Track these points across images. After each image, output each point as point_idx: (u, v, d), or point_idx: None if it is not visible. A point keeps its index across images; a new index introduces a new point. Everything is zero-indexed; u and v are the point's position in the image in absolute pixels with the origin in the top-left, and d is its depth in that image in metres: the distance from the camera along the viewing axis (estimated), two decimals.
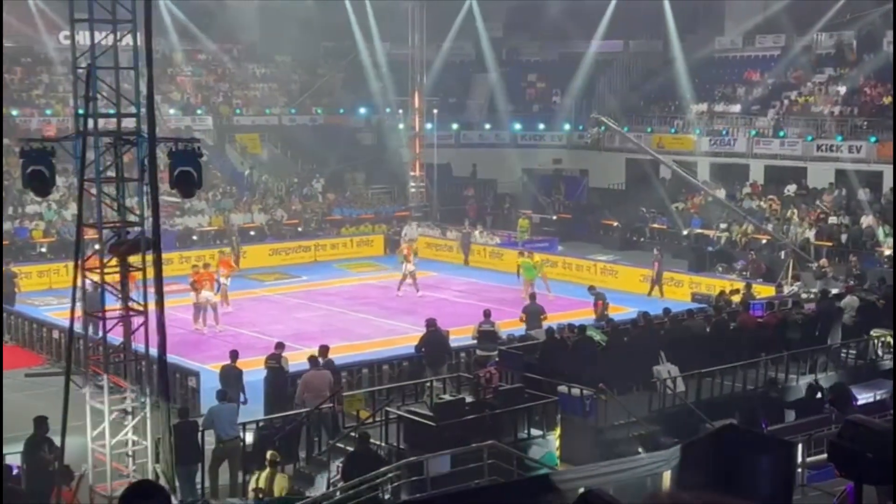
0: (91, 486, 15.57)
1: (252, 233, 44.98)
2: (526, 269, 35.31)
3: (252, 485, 17.53)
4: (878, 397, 21.77)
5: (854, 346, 25.08)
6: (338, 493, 16.84)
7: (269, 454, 17.81)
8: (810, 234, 39.70)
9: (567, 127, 54.98)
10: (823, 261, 36.19)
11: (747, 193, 44.79)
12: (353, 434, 19.72)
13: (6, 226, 42.13)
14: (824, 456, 14.05)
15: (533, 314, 28.16)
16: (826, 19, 48.66)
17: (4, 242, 40.52)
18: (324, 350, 22.60)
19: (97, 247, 15.27)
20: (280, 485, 17.18)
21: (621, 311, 29.61)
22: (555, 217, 49.21)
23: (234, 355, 22.16)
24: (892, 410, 19.29)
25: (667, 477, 13.18)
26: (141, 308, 15.19)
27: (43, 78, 51.85)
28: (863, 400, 21.14)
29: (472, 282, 37.48)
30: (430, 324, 24.76)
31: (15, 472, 17.08)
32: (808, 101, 47.81)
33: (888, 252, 37.18)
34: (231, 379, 21.46)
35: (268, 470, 17.35)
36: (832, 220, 40.61)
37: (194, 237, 42.96)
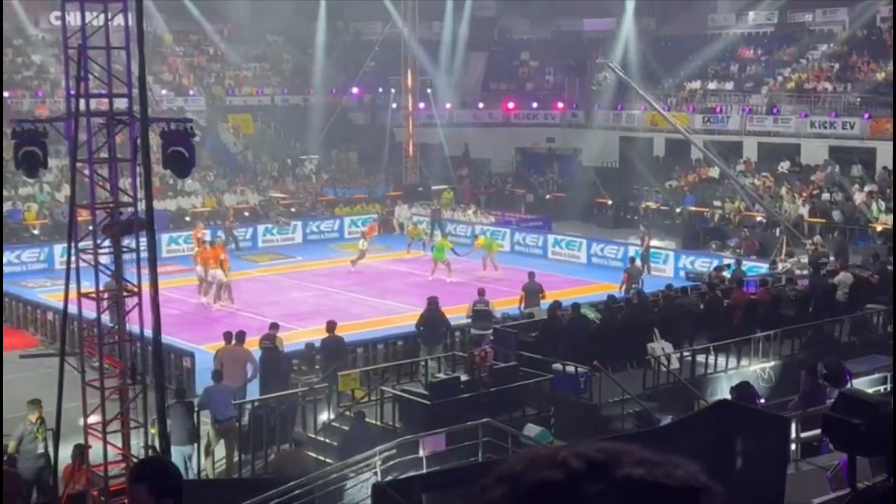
0: (87, 465, 15.61)
1: (246, 213, 44.96)
2: (436, 250, 35.69)
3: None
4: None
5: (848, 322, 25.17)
6: (331, 472, 16.92)
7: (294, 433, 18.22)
8: (804, 210, 39.77)
9: (560, 105, 54.93)
10: (817, 238, 36.22)
11: (741, 171, 44.79)
12: (348, 413, 19.80)
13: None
14: (818, 431, 14.12)
15: (531, 292, 28.19)
16: None
17: None
18: (331, 325, 22.70)
19: (91, 228, 15.23)
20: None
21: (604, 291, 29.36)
22: (548, 196, 49.28)
23: (229, 337, 22.08)
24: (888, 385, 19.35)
25: None
26: (135, 289, 15.18)
27: (34, 59, 51.71)
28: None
29: (465, 261, 37.46)
30: (431, 301, 24.82)
31: (8, 453, 17.16)
32: (801, 78, 47.79)
33: (881, 228, 37.27)
34: (232, 361, 21.37)
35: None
36: (825, 196, 40.66)
37: (187, 218, 42.86)
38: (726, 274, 29.70)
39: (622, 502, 1.07)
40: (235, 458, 19.43)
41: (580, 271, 36.45)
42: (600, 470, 1.10)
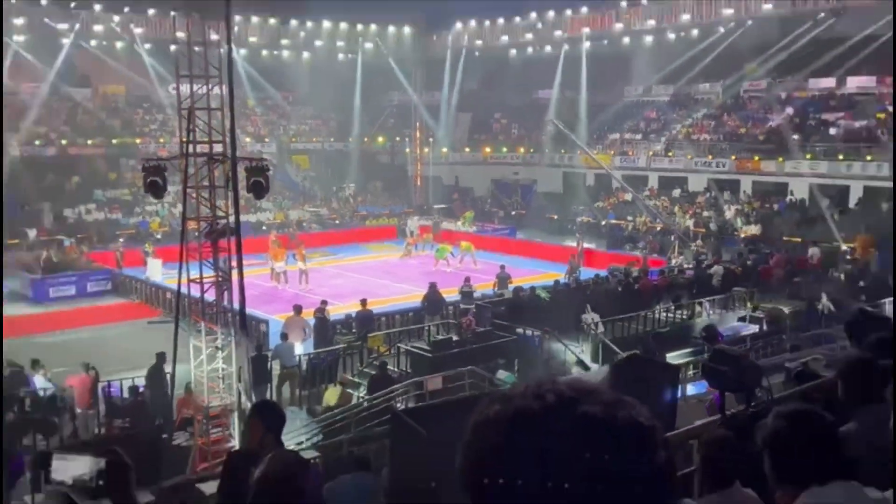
0: (194, 398, 15.64)
1: (304, 224, 44.90)
2: (438, 251, 35.55)
3: (327, 401, 17.72)
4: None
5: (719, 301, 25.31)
6: (365, 403, 16.95)
7: (340, 377, 18.29)
8: (690, 223, 39.83)
9: (522, 150, 54.88)
10: (699, 242, 36.32)
11: (646, 195, 44.86)
12: (375, 362, 19.85)
13: (134, 219, 42.08)
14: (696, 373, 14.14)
15: (502, 279, 28.26)
16: (699, 71, 48.50)
17: (130, 231, 40.42)
18: (363, 302, 22.75)
19: (196, 234, 15.24)
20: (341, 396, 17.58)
21: (552, 278, 29.17)
22: (514, 213, 49.35)
23: (297, 308, 22.02)
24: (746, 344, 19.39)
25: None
26: (227, 276, 15.18)
27: (157, 117, 51.60)
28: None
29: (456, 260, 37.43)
30: (432, 285, 24.91)
31: (141, 389, 17.19)
32: (689, 131, 47.86)
33: (743, 235, 37.31)
34: (293, 327, 21.31)
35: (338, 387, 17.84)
36: (705, 213, 40.74)
37: (263, 227, 42.76)
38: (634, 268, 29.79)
39: (579, 432, 1.03)
40: (297, 394, 19.49)
41: (539, 265, 36.29)
42: (567, 404, 1.05)
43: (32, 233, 37.22)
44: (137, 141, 47.21)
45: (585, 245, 37.22)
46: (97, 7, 41.53)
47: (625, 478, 1.00)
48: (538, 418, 1.03)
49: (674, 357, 17.65)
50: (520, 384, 1.13)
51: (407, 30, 53.69)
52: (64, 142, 46.03)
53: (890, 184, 37.12)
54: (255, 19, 49.49)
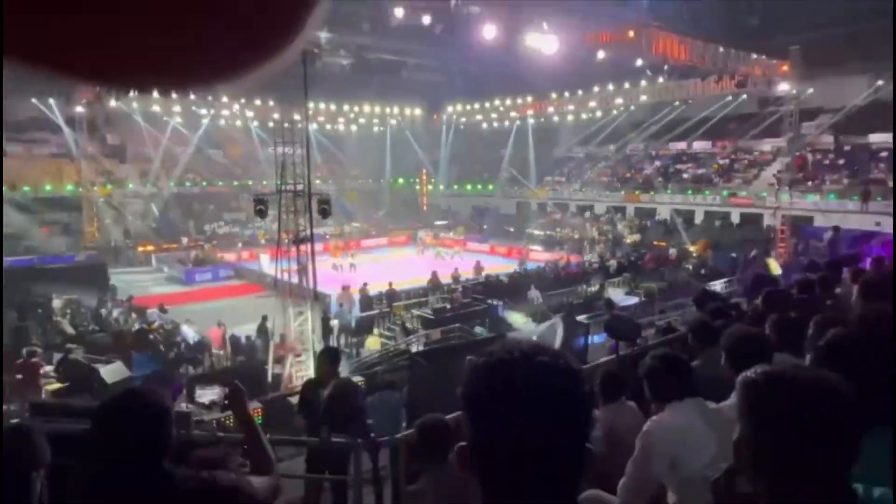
0: (286, 344, 15.56)
1: (352, 234, 44.71)
2: (437, 252, 35.50)
3: (368, 346, 17.61)
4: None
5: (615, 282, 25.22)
6: (392, 347, 16.91)
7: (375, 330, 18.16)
8: (595, 233, 39.77)
9: (491, 187, 54.66)
10: (601, 246, 36.23)
11: (569, 216, 44.73)
12: (398, 322, 19.80)
13: (248, 232, 41.89)
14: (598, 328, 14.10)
15: (478, 269, 28.19)
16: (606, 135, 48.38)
17: (245, 240, 40.15)
18: (390, 283, 22.60)
19: (287, 241, 15.20)
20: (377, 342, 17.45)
21: (509, 268, 29.09)
22: (485, 227, 49.22)
23: (346, 287, 21.97)
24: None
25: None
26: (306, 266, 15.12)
27: (262, 168, 51.07)
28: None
29: (448, 258, 37.26)
30: (433, 273, 24.83)
31: (253, 338, 17.09)
32: (595, 176, 47.72)
33: (630, 241, 37.27)
34: (346, 299, 21.24)
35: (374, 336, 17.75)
36: (605, 227, 40.69)
37: (327, 236, 42.46)
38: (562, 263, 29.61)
39: (536, 374, 1.00)
40: (350, 341, 19.38)
41: (501, 260, 36.06)
42: (530, 356, 1.02)
43: (185, 240, 37.20)
44: (250, 182, 46.85)
45: (530, 247, 37.17)
46: (224, 98, 41.69)
47: (565, 402, 1.01)
48: (510, 365, 1.02)
49: (585, 318, 17.66)
50: (506, 340, 1.11)
51: (417, 111, 53.50)
52: (204, 183, 46.10)
53: (720, 209, 37.35)
54: (322, 105, 49.21)
